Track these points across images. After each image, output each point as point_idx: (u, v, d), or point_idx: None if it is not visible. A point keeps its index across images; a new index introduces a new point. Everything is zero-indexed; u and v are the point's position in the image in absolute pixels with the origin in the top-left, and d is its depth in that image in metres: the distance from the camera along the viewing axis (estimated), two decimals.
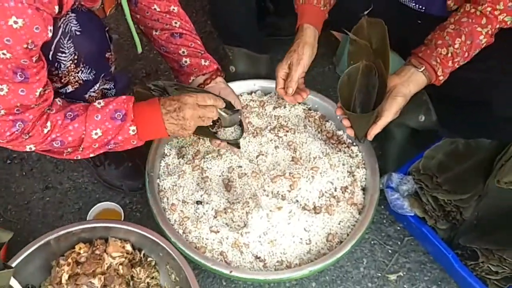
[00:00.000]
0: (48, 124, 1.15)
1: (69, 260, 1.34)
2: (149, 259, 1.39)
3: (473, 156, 1.51)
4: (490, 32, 1.32)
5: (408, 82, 1.33)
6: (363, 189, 1.47)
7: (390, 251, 1.54)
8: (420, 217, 1.44)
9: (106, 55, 1.27)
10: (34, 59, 1.04)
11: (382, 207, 1.60)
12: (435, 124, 1.58)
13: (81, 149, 1.22)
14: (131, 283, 1.36)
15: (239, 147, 1.44)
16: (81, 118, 1.18)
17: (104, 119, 1.18)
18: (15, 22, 0.94)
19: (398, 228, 1.58)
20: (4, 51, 0.97)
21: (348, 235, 1.37)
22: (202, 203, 1.41)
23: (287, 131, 1.54)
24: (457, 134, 1.54)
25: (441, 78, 1.34)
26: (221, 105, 1.30)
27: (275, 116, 1.58)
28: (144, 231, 1.35)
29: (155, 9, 1.41)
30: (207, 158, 1.50)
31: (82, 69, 1.21)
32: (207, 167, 1.48)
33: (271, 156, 1.49)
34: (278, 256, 1.34)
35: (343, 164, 1.49)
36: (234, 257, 1.33)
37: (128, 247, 1.37)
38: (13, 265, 1.26)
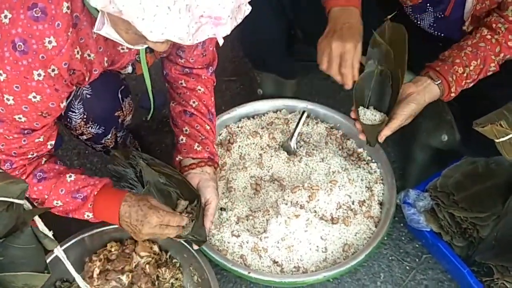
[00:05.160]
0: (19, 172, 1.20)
1: (101, 256, 1.44)
2: (174, 260, 1.48)
3: (492, 177, 1.54)
4: (500, 62, 1.39)
5: (424, 92, 1.37)
6: (380, 204, 1.52)
7: (407, 267, 1.57)
8: (436, 232, 1.48)
9: (116, 114, 1.37)
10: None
11: (401, 224, 1.64)
12: (458, 143, 1.60)
13: (44, 205, 1.25)
14: (156, 283, 1.45)
15: (199, 245, 1.37)
16: (48, 183, 1.22)
17: (67, 195, 1.23)
18: (34, 97, 1.07)
19: (417, 245, 1.61)
20: (20, 116, 1.09)
21: (363, 246, 1.43)
22: (226, 210, 1.50)
23: (309, 147, 1.62)
24: (479, 153, 1.55)
25: (452, 95, 1.39)
26: (181, 229, 1.28)
27: (298, 133, 1.67)
28: None
29: (181, 83, 1.45)
30: (232, 169, 1.60)
31: (92, 125, 1.33)
32: (232, 178, 1.58)
33: (293, 169, 1.58)
34: (295, 262, 1.40)
35: (362, 180, 1.55)
36: (253, 261, 1.41)
37: (156, 248, 1.47)
38: (50, 259, 1.37)
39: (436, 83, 1.38)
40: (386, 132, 1.37)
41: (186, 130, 1.44)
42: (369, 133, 1.41)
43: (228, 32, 0.93)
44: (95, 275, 1.42)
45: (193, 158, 1.43)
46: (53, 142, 1.22)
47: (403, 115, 1.35)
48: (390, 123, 1.36)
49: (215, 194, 1.39)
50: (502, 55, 1.37)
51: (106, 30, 1.00)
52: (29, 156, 1.19)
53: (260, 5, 1.59)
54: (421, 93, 1.37)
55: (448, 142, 1.62)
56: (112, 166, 1.39)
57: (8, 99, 1.05)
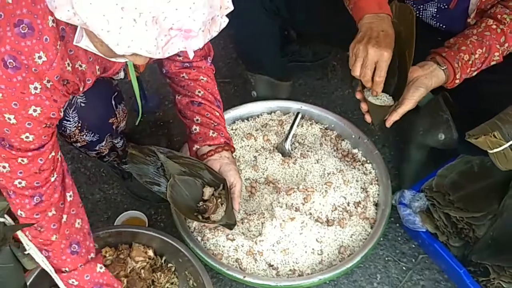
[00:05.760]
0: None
1: None
2: (169, 265, 1.47)
3: (488, 176, 1.53)
4: (504, 52, 1.38)
5: (431, 76, 1.35)
6: (376, 205, 1.52)
7: (404, 268, 1.56)
8: (432, 233, 1.47)
9: (110, 121, 1.36)
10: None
11: (397, 224, 1.63)
12: (455, 142, 1.59)
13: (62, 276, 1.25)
14: (151, 287, 1.44)
15: (231, 229, 1.40)
16: (77, 260, 1.23)
17: (89, 283, 1.24)
18: (34, 111, 1.05)
19: (413, 246, 1.60)
20: (27, 134, 1.06)
21: (359, 247, 1.42)
22: None
23: (304, 148, 1.61)
24: (477, 152, 1.52)
25: (457, 81, 1.37)
26: None
27: (292, 134, 1.66)
28: (166, 237, 1.44)
29: (183, 76, 1.45)
30: None
31: (86, 133, 1.33)
32: None
33: (288, 171, 1.57)
34: (291, 265, 1.40)
35: (357, 181, 1.55)
36: (249, 264, 1.40)
37: (151, 252, 1.46)
38: None
39: (442, 68, 1.36)
40: (394, 117, 1.34)
41: (198, 120, 1.44)
42: (375, 114, 1.37)
43: (201, 46, 0.91)
44: None
45: (210, 145, 1.43)
46: (60, 152, 1.20)
47: (413, 100, 1.33)
48: (399, 108, 1.33)
49: (238, 176, 1.40)
50: (506, 45, 1.37)
51: (85, 42, 0.99)
52: (52, 179, 1.15)
53: (252, 6, 1.61)
54: (428, 76, 1.35)
55: (446, 141, 1.61)
56: (133, 164, 1.39)
57: (9, 118, 1.03)
